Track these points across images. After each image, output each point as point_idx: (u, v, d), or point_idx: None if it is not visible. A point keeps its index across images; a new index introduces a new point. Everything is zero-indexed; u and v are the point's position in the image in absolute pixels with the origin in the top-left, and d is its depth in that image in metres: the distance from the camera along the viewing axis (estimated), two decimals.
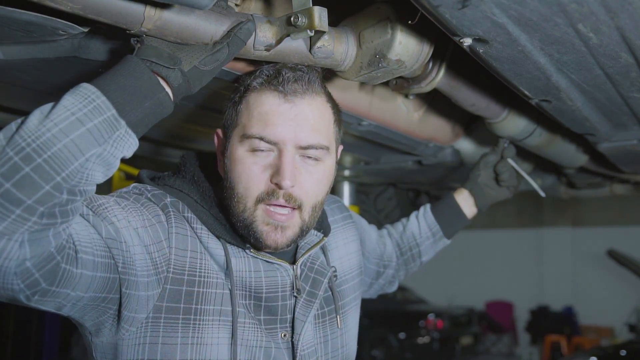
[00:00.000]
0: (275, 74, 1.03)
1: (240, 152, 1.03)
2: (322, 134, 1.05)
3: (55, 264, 0.80)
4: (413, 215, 1.62)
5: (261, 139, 1.01)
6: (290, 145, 1.01)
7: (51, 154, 0.77)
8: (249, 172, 1.02)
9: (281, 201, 1.01)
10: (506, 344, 9.37)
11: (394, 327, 8.22)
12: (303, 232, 1.07)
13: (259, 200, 1.02)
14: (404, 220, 1.64)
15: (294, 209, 1.04)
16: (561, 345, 8.20)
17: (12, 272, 0.76)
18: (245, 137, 1.02)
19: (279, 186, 1.00)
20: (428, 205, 1.62)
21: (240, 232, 1.06)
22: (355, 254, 1.35)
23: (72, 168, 0.79)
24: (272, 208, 1.02)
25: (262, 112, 1.02)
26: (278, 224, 1.03)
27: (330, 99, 1.11)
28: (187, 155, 1.18)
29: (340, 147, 1.16)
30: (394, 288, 1.60)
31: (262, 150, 1.02)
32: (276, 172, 1.01)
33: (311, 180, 1.05)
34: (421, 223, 1.59)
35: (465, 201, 1.60)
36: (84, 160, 0.80)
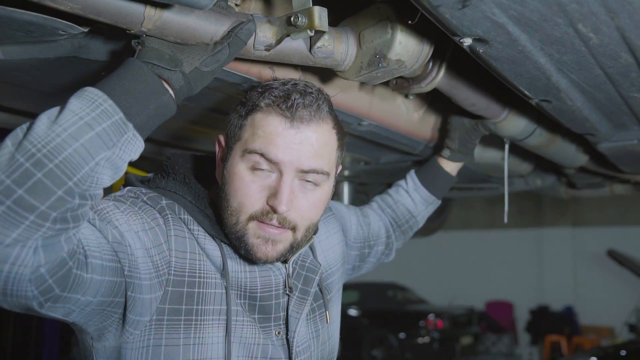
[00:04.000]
0: (284, 97, 1.01)
1: (240, 168, 1.02)
2: (324, 160, 1.04)
3: (67, 270, 0.80)
4: (401, 189, 1.66)
5: (262, 155, 0.99)
6: (291, 168, 1.00)
7: (62, 159, 0.77)
8: (246, 189, 1.01)
9: (274, 223, 1.01)
10: (506, 344, 9.37)
11: (394, 327, 8.23)
12: (293, 249, 1.07)
13: (252, 218, 1.02)
14: (391, 192, 1.67)
15: (287, 229, 1.03)
16: (561, 345, 8.21)
17: (27, 279, 0.76)
18: (246, 152, 1.01)
19: (274, 209, 1.00)
20: (415, 176, 1.66)
21: (232, 243, 1.06)
22: (339, 246, 1.36)
23: (83, 172, 0.79)
24: (264, 224, 1.02)
25: (266, 131, 1.00)
26: (269, 237, 1.02)
27: (337, 123, 1.08)
28: (174, 157, 1.16)
29: (340, 168, 1.14)
30: (390, 259, 1.64)
31: (263, 170, 1.00)
32: (273, 195, 1.00)
33: (307, 204, 1.04)
34: (415, 197, 1.65)
35: (448, 164, 1.69)
36: (94, 164, 0.80)
